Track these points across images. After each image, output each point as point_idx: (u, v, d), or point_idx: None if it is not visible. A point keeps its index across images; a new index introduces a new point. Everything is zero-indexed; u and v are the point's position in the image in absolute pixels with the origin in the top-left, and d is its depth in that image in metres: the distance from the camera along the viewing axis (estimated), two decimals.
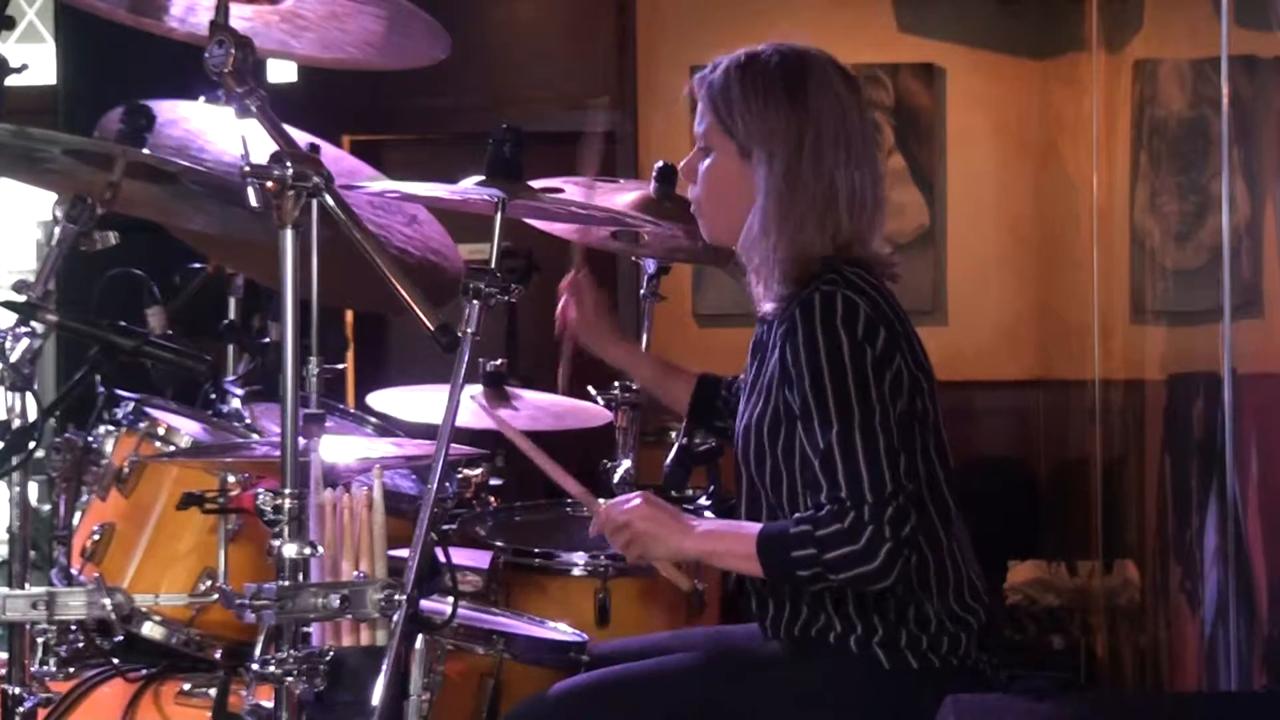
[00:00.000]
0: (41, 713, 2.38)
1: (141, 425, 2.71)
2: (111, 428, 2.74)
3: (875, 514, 2.12)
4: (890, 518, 2.12)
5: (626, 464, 3.13)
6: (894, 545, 2.12)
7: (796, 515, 2.21)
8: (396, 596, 1.96)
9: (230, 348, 3.13)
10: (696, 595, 2.93)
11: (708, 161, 2.38)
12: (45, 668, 2.53)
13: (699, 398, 2.75)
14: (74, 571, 2.65)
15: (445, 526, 2.91)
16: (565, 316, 2.77)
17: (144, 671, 2.60)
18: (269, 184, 1.90)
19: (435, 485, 2.06)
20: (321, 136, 2.76)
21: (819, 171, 2.28)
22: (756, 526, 2.24)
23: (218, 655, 2.60)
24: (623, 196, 3.23)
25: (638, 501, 2.31)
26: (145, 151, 2.46)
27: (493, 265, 2.18)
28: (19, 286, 2.27)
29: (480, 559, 2.94)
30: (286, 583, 1.91)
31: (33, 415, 2.24)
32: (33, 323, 2.25)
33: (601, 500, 2.38)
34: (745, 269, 2.38)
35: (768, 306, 2.35)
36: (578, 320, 2.76)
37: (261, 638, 2.03)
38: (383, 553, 2.02)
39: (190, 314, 3.17)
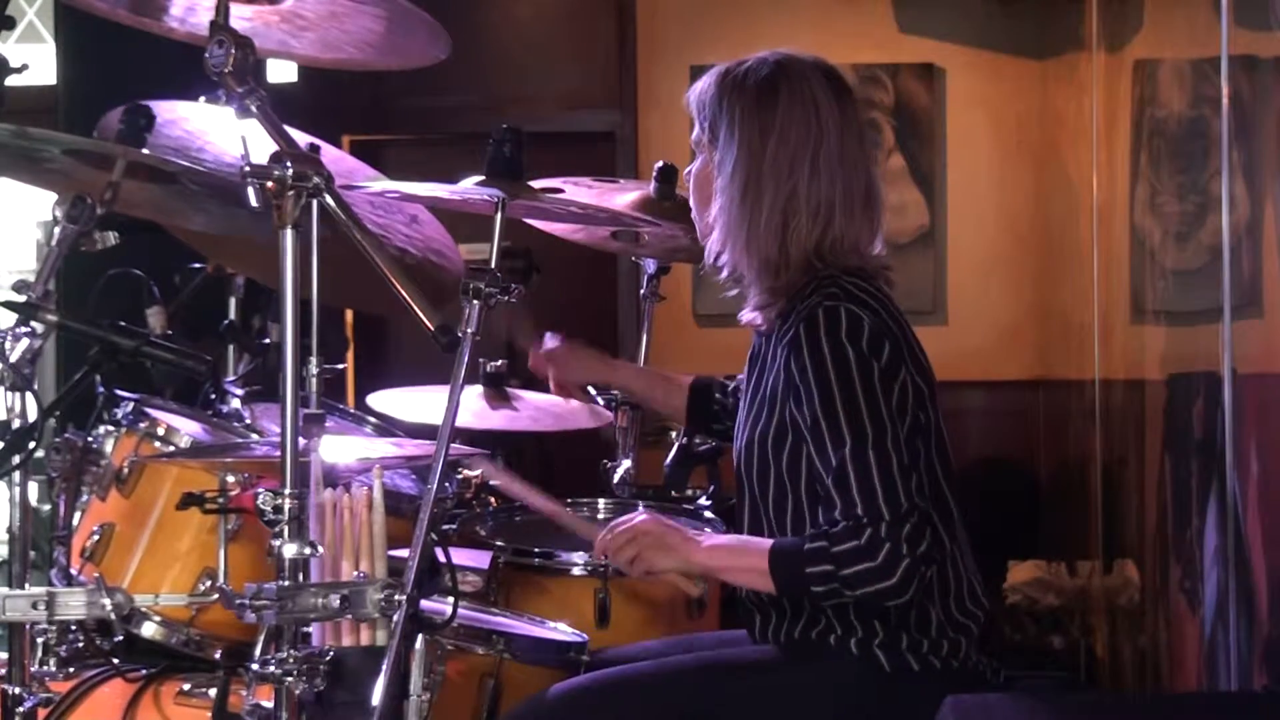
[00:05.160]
0: (41, 713, 2.38)
1: (141, 425, 2.70)
2: (111, 428, 2.74)
3: (892, 531, 2.13)
4: (907, 535, 2.13)
5: (626, 464, 3.13)
6: (911, 562, 2.13)
7: (810, 532, 2.21)
8: (396, 596, 1.96)
9: (230, 348, 3.13)
10: (698, 598, 2.93)
11: (694, 166, 2.43)
12: (45, 668, 2.53)
13: (694, 404, 2.78)
14: (74, 571, 2.65)
15: (445, 526, 2.91)
16: (555, 384, 2.94)
17: (144, 671, 2.59)
18: (269, 184, 1.89)
19: (435, 485, 2.05)
20: (321, 136, 2.75)
21: (778, 181, 2.29)
22: (767, 542, 2.24)
23: (218, 655, 2.59)
24: (623, 196, 3.22)
25: (642, 516, 2.33)
26: (145, 151, 2.46)
27: (493, 265, 2.18)
28: (19, 286, 2.27)
29: (480, 559, 2.93)
30: (286, 583, 1.91)
31: (33, 415, 2.24)
32: (33, 323, 2.25)
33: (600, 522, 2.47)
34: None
35: (748, 316, 2.37)
36: (564, 378, 2.92)
37: (261, 638, 2.03)
38: (383, 553, 2.02)
39: (190, 314, 3.17)
